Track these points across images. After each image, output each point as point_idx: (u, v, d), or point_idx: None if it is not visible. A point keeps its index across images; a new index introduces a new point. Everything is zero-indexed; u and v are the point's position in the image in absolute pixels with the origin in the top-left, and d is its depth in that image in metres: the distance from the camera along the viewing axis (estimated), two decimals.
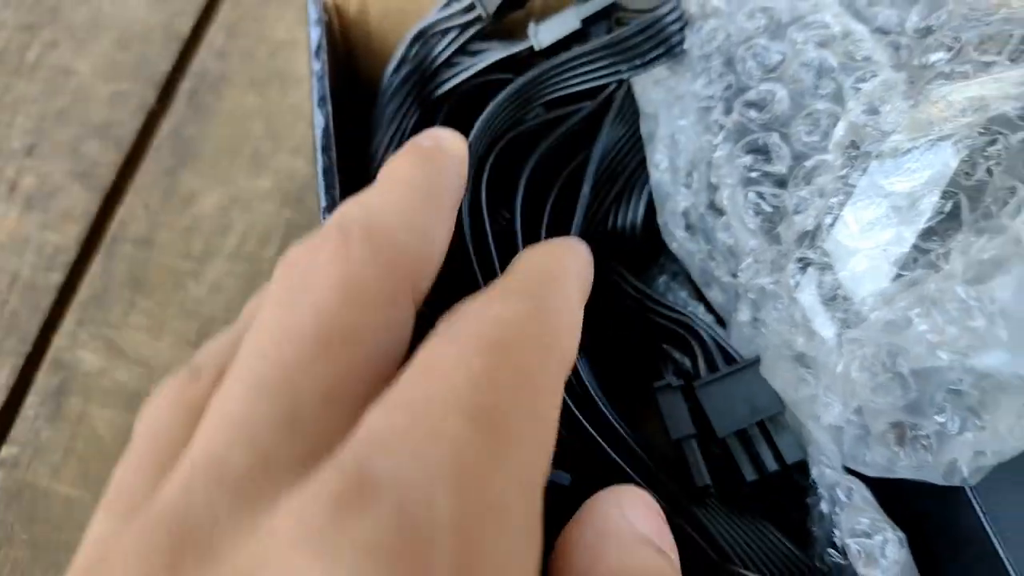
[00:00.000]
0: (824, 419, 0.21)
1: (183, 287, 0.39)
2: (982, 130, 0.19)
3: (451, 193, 0.17)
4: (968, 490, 0.20)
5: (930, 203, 0.19)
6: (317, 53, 0.26)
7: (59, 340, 0.38)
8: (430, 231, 0.16)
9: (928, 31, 0.26)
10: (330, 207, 0.24)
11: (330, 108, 0.25)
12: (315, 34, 0.27)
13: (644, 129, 0.27)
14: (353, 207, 0.16)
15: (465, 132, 0.25)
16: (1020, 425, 0.19)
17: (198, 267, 0.40)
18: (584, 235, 0.27)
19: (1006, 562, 0.18)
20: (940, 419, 0.19)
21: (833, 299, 0.21)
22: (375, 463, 0.11)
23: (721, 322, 0.26)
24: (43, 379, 0.37)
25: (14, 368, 0.37)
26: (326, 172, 0.24)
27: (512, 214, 0.26)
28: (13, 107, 0.46)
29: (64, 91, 0.47)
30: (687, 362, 0.25)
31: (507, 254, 0.24)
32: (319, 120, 0.25)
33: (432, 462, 0.11)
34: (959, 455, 0.19)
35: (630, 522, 0.15)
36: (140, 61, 0.48)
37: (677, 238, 0.26)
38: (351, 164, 0.26)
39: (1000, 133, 0.19)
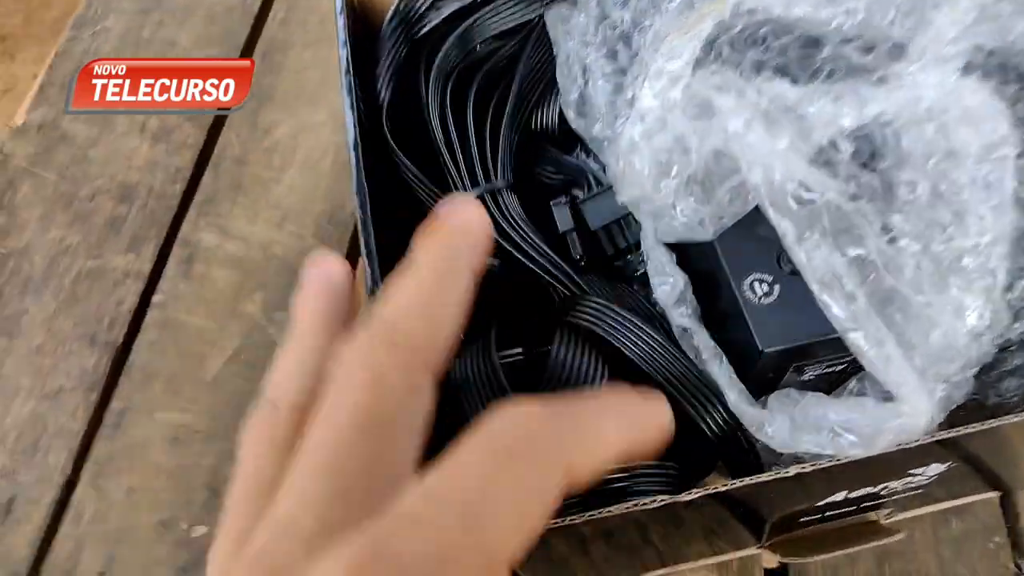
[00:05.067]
0: (644, 208, 0.36)
1: (268, 189, 0.56)
2: (712, 30, 0.33)
3: (465, 271, 0.20)
4: (714, 242, 0.34)
5: (686, 69, 0.34)
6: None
7: (186, 227, 0.54)
8: (445, 318, 0.20)
9: None
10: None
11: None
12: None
13: (554, 52, 0.42)
14: (381, 309, 0.20)
15: (436, 61, 0.41)
16: (734, 198, 0.33)
17: (278, 175, 0.56)
18: (513, 132, 0.41)
19: (726, 267, 0.33)
20: (691, 199, 0.33)
21: (634, 144, 0.35)
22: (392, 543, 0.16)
23: (604, 170, 0.41)
24: (177, 252, 0.54)
25: (156, 246, 0.54)
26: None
27: (464, 118, 0.41)
28: None
29: (171, 57, 0.63)
30: (581, 193, 0.40)
31: (464, 146, 0.39)
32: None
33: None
34: (707, 218, 0.34)
35: None
36: (225, 33, 0.64)
37: (571, 118, 0.41)
38: (364, 81, 0.41)
39: (725, 30, 0.34)
